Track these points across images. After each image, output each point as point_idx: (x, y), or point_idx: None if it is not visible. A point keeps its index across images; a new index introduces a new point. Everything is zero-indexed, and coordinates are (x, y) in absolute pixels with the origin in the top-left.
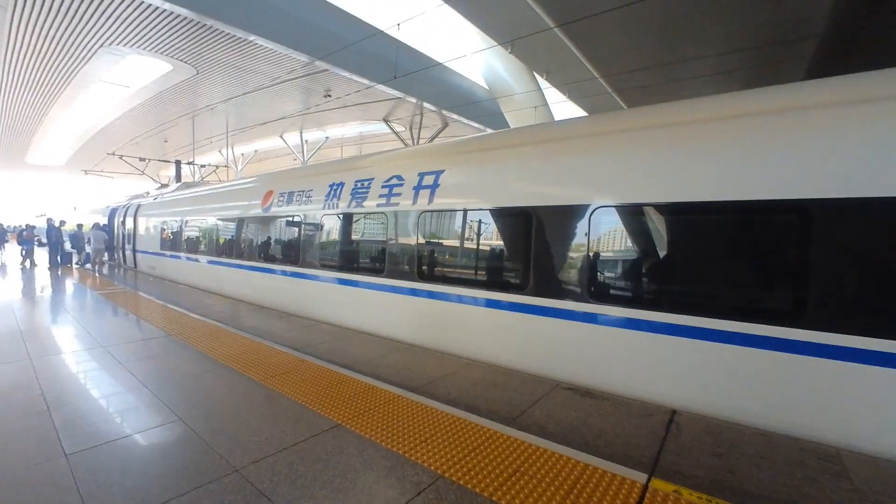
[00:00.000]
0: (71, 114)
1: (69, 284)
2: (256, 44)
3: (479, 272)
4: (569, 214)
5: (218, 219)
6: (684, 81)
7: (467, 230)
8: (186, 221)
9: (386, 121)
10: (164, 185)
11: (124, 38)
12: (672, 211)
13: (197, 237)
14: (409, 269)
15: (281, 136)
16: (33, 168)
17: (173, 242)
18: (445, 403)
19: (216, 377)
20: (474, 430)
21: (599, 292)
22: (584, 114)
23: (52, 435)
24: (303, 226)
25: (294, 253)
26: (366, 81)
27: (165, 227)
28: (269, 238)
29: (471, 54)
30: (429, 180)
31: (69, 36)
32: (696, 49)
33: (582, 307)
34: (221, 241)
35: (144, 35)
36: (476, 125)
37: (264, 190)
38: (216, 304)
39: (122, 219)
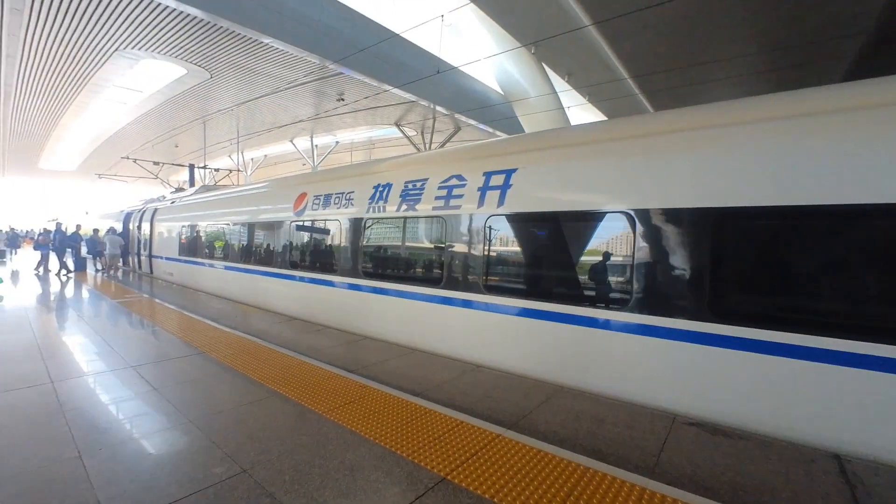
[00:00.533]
0: (84, 119)
1: (85, 292)
2: (271, 46)
3: (567, 284)
4: (689, 218)
5: (242, 224)
6: (715, 82)
7: (549, 236)
8: (208, 226)
9: (398, 125)
10: (179, 189)
11: (139, 41)
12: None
13: (219, 243)
14: (474, 279)
15: (291, 141)
16: (45, 173)
17: (193, 248)
18: (559, 446)
19: (272, 409)
20: (613, 486)
21: (729, 311)
22: (602, 118)
23: (91, 497)
24: (341, 231)
25: (329, 261)
26: (382, 85)
27: (185, 232)
28: (301, 244)
29: (485, 58)
30: (497, 180)
31: (85, 39)
32: (732, 48)
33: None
34: (245, 247)
35: (159, 38)
36: (489, 129)
37: (296, 192)
38: (242, 314)
39: (137, 223)
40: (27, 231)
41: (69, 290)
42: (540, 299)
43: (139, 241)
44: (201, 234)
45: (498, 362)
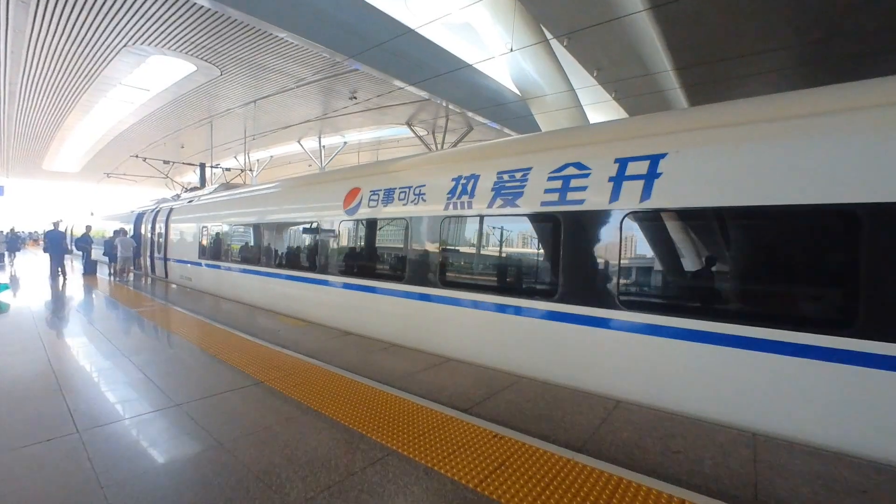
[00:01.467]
0: (89, 120)
1: (99, 299)
2: (284, 41)
3: (758, 297)
4: None
5: (277, 224)
6: (762, 76)
7: (733, 238)
8: (235, 228)
9: (409, 125)
10: (193, 188)
11: (148, 36)
12: None
13: (249, 245)
14: (606, 291)
15: (299, 142)
16: (49, 175)
17: (218, 251)
18: None
19: (401, 477)
20: None
21: None
22: (623, 115)
23: None
24: (410, 232)
25: (393, 268)
26: (397, 82)
27: (206, 233)
28: (354, 248)
29: (508, 52)
30: (638, 168)
31: (93, 34)
32: (787, 37)
33: None
34: (282, 251)
35: (169, 32)
36: (504, 129)
37: (346, 187)
38: (285, 327)
39: (150, 224)
40: (31, 233)
41: (81, 298)
42: (716, 319)
43: (152, 244)
44: (227, 236)
45: (677, 404)
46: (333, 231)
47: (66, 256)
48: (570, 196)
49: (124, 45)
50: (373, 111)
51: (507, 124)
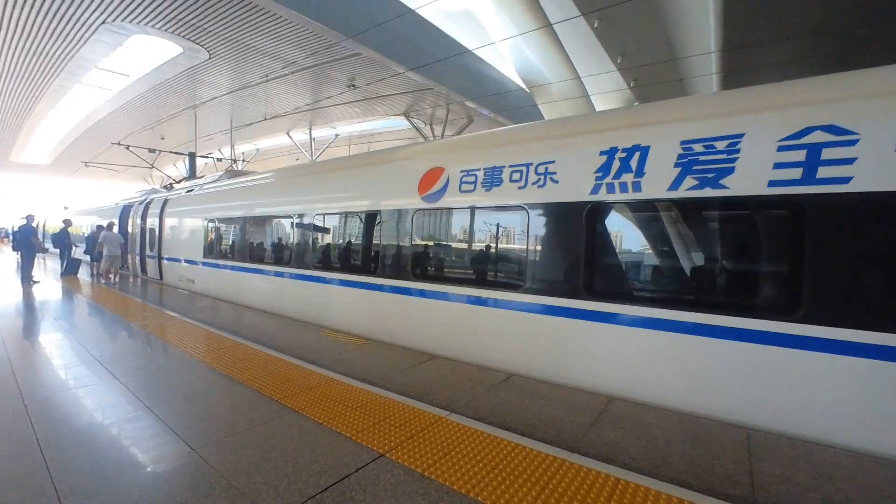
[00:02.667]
0: (61, 108)
1: (85, 307)
2: (278, 19)
3: None
4: None
5: (318, 216)
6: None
7: None
8: (257, 221)
9: (407, 116)
10: (187, 179)
11: (130, 12)
12: None
13: (279, 243)
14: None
15: (288, 134)
16: (18, 168)
17: (230, 249)
18: None
19: None
20: None
21: None
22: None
23: None
24: (535, 225)
25: (505, 271)
26: (397, 67)
27: (215, 228)
28: (438, 245)
29: (504, 39)
30: None
31: (67, 8)
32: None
33: None
34: (328, 250)
35: (152, 7)
36: (504, 120)
37: (422, 167)
38: (336, 344)
39: (139, 218)
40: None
41: (60, 306)
42: None
43: (143, 240)
44: (243, 231)
45: None
46: (402, 223)
47: (39, 255)
48: (824, 172)
49: (102, 22)
50: (370, 100)
51: (508, 115)
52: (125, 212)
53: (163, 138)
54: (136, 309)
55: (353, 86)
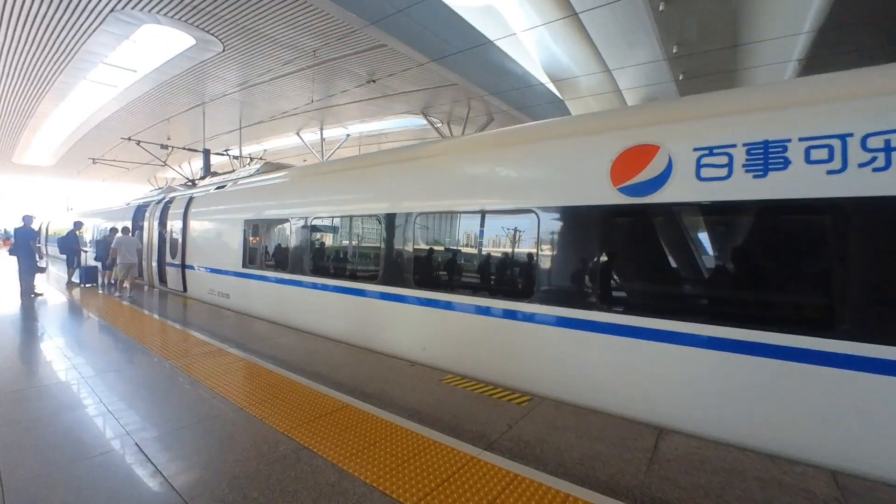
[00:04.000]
0: (65, 106)
1: (100, 331)
2: (297, 4)
3: None
4: None
5: (436, 215)
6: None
7: None
8: (328, 223)
9: (425, 114)
10: (213, 174)
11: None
12: None
13: (390, 253)
14: None
15: (297, 133)
16: (21, 169)
17: (285, 257)
18: None
19: None
20: None
21: None
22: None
23: None
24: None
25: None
26: (421, 57)
27: (261, 230)
28: (672, 258)
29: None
30: None
31: None
32: None
33: None
34: (463, 262)
35: None
36: (524, 117)
37: (614, 146)
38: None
39: (156, 220)
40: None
41: (67, 327)
42: None
43: (162, 245)
44: (310, 235)
45: None
46: (588, 229)
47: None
48: None
49: (111, 10)
50: (389, 97)
51: (529, 112)
52: (139, 213)
53: (168, 139)
54: (159, 332)
55: (373, 80)
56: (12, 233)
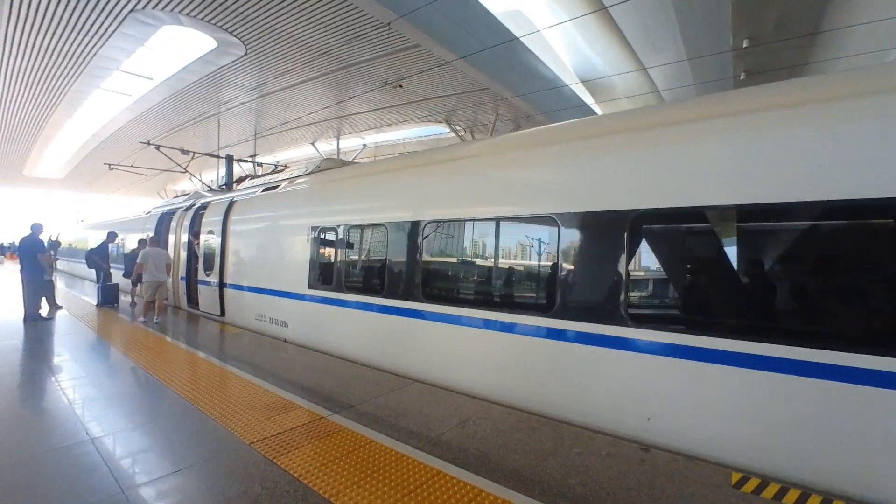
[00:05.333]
0: (78, 116)
1: (132, 380)
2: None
3: None
4: None
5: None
6: None
7: None
8: (482, 227)
9: (448, 121)
10: (252, 176)
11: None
12: None
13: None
14: None
15: (313, 144)
16: (31, 182)
17: (404, 277)
18: None
19: None
20: None
21: None
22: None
23: None
24: None
25: None
26: (448, 54)
27: (338, 240)
28: None
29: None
30: None
31: None
32: None
33: None
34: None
35: None
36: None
37: None
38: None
39: (185, 230)
40: (9, 244)
41: (90, 382)
42: None
43: (190, 260)
44: (420, 245)
45: None
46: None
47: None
48: None
49: (131, 10)
50: (413, 104)
51: (556, 117)
52: (163, 222)
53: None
54: (208, 378)
55: (400, 85)
56: (20, 246)
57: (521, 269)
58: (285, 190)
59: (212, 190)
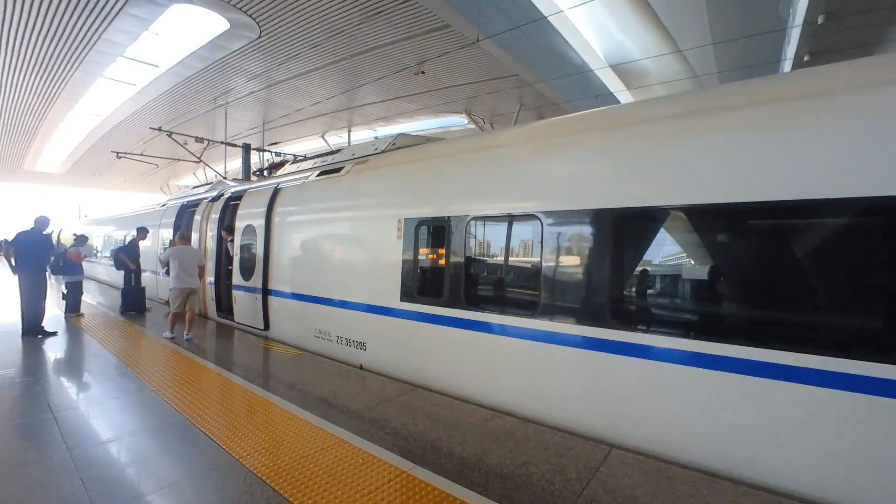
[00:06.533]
0: (80, 107)
1: (191, 455)
2: None
3: None
4: None
5: None
6: None
7: None
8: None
9: (468, 112)
10: (277, 165)
11: None
12: None
13: None
14: None
15: (322, 136)
16: (31, 177)
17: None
18: None
19: None
20: None
21: None
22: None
23: None
24: None
25: None
26: (474, 32)
27: (458, 235)
28: None
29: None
30: None
31: None
32: None
33: None
34: None
35: None
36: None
37: None
38: None
39: (209, 225)
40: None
41: (111, 437)
42: None
43: (220, 260)
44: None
45: None
46: None
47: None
48: None
49: None
50: (434, 93)
51: (582, 106)
52: (182, 216)
53: (185, 143)
54: (280, 430)
55: (422, 72)
56: (16, 242)
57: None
58: (357, 174)
59: (237, 179)
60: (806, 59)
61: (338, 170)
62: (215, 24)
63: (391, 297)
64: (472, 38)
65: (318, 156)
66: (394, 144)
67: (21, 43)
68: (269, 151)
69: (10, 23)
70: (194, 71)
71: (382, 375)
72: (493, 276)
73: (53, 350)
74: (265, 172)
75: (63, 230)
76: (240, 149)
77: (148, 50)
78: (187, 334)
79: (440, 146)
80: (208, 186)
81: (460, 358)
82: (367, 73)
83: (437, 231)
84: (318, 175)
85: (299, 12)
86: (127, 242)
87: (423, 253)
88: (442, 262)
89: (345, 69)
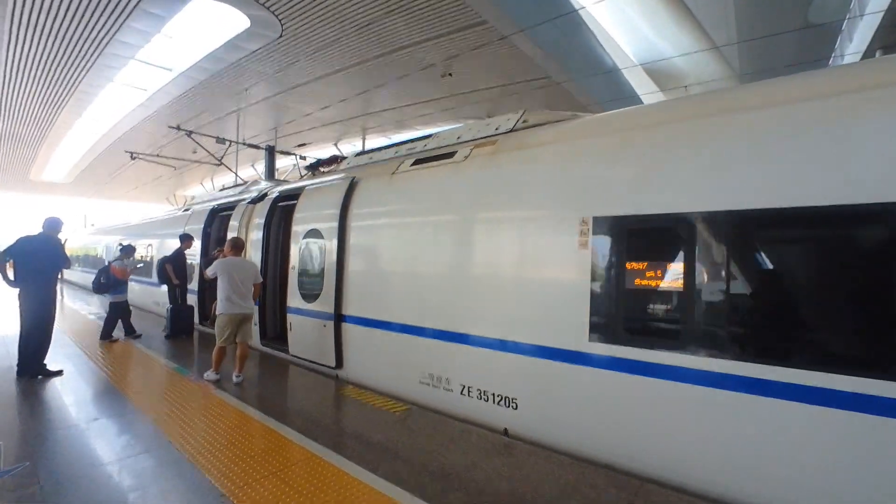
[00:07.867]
0: (88, 115)
1: None
2: None
3: None
4: None
5: None
6: None
7: None
8: None
9: (491, 117)
10: (316, 165)
11: None
12: None
13: None
14: None
15: (335, 144)
16: (37, 187)
17: None
18: None
19: None
20: None
21: None
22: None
23: None
24: None
25: None
26: (507, 27)
27: (748, 246)
28: None
29: None
30: None
31: None
32: None
33: None
34: None
35: None
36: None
37: None
38: None
39: (251, 232)
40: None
41: None
42: None
43: (274, 275)
44: None
45: None
46: None
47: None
48: None
49: None
50: (458, 96)
51: (608, 107)
52: (213, 221)
53: (195, 152)
54: None
55: (450, 74)
56: (14, 248)
57: None
58: (488, 157)
59: (274, 181)
60: (878, 53)
61: (449, 155)
62: (235, 22)
63: (570, 333)
64: (506, 33)
65: (394, 144)
66: (525, 122)
67: (30, 46)
68: (294, 154)
69: (20, 23)
70: (209, 74)
71: (542, 447)
72: (797, 312)
73: (55, 406)
74: (318, 169)
75: (68, 240)
76: (251, 155)
77: (160, 53)
78: (237, 376)
79: (664, 109)
80: (240, 188)
81: (730, 440)
82: (390, 75)
83: (669, 236)
84: (412, 164)
85: (323, 9)
86: (172, 253)
87: (638, 268)
88: (679, 283)
89: (369, 70)
